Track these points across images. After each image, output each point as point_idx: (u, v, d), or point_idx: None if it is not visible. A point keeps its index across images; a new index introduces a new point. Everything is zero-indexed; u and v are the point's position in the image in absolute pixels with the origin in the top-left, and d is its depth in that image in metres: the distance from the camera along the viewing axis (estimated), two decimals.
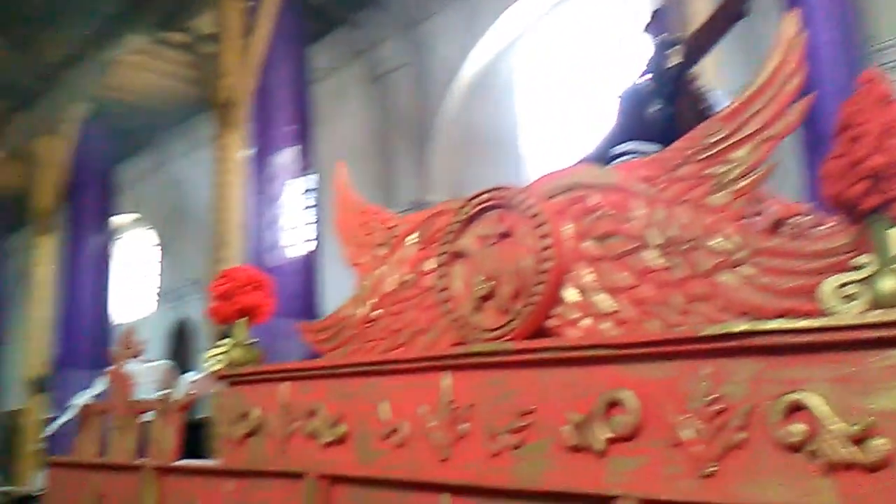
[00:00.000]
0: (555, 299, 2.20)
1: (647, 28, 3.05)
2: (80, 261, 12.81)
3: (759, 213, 2.32)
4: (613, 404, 1.86)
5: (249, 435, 2.64)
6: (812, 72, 2.01)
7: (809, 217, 2.32)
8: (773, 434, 1.54)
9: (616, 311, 2.13)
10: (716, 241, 1.92)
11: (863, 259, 1.52)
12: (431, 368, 2.25)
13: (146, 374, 3.12)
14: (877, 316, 1.43)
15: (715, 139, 1.99)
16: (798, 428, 1.51)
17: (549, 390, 1.99)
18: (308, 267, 9.15)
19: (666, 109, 2.66)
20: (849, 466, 1.44)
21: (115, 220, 13.56)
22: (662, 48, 2.89)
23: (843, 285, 1.52)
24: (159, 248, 15.09)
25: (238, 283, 2.68)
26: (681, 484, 1.70)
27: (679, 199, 2.07)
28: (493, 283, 2.30)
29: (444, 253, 2.43)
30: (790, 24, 1.92)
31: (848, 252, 1.62)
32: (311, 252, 9.16)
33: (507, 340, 2.19)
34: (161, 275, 14.75)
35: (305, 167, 9.46)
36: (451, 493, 2.07)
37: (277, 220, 9.47)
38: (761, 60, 1.95)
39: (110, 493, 3.21)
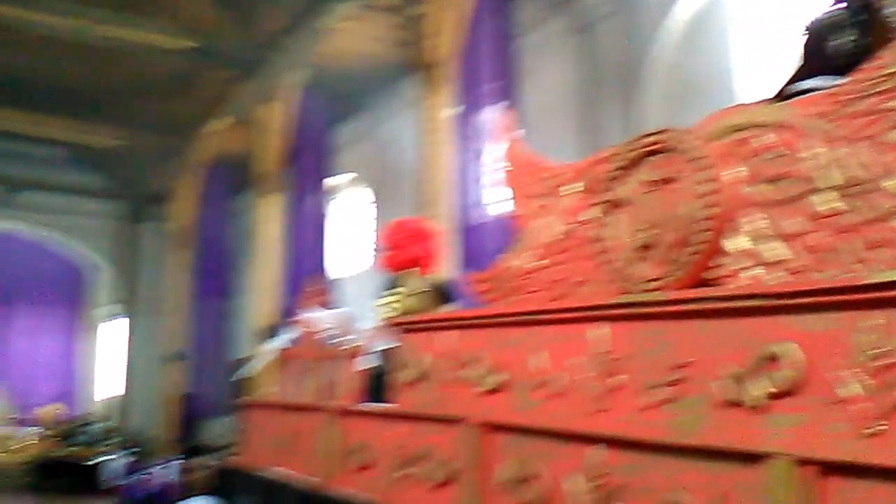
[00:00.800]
0: (719, 248, 2.09)
1: None
2: (300, 219, 13.71)
3: None
4: (773, 358, 1.75)
5: (419, 381, 2.74)
6: None
7: None
8: None
9: (787, 260, 1.99)
10: None
11: None
12: (588, 319, 2.22)
13: (330, 321, 3.31)
14: None
15: None
16: None
17: (707, 343, 1.91)
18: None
19: (854, 41, 2.42)
20: None
21: (332, 181, 14.32)
22: None
23: None
24: (375, 206, 15.80)
25: (408, 235, 2.77)
26: (843, 443, 1.58)
27: (857, 137, 1.89)
28: (655, 231, 2.22)
29: (604, 201, 2.37)
30: None
31: None
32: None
33: (668, 291, 2.11)
34: (375, 232, 15.45)
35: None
36: (605, 444, 2.05)
37: (482, 178, 9.61)
38: None
39: (301, 430, 3.47)
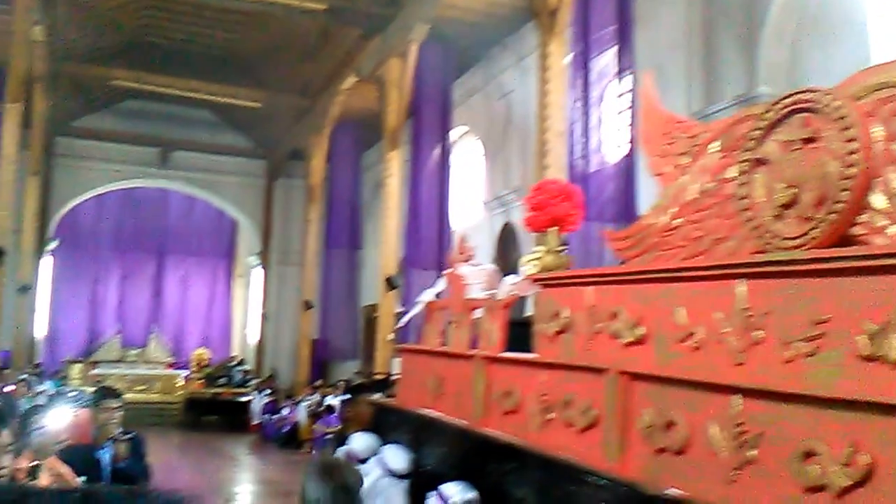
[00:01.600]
0: (861, 206, 2.13)
1: None
2: (422, 172, 13.96)
3: None
4: None
5: (560, 332, 2.90)
6: None
7: None
8: None
9: None
10: None
11: None
12: (727, 276, 2.30)
13: (475, 276, 3.49)
14: None
15: None
16: None
17: (846, 299, 1.97)
18: (626, 171, 9.12)
19: None
20: None
21: (451, 134, 14.48)
22: None
23: None
24: (485, 158, 15.90)
25: (550, 195, 2.90)
26: None
27: None
28: (796, 189, 2.27)
29: (745, 160, 2.42)
30: None
31: None
32: (629, 155, 9.12)
33: (809, 249, 2.17)
34: (488, 183, 15.57)
35: (624, 69, 9.35)
36: (743, 395, 2.14)
37: (597, 125, 9.53)
38: None
39: (448, 376, 3.70)
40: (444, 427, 3.53)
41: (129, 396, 20.34)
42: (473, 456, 3.22)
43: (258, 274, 24.40)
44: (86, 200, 22.87)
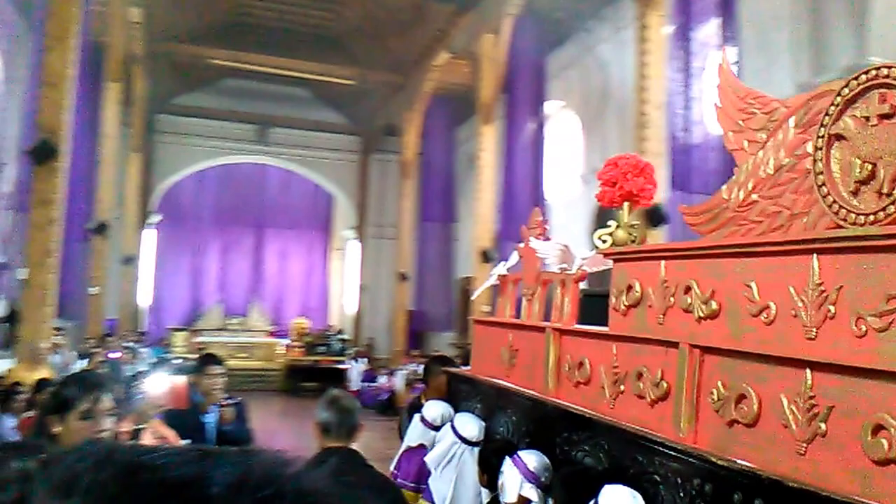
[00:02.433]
0: None
1: None
2: (516, 146, 13.98)
3: None
4: None
5: (633, 306, 2.93)
6: None
7: None
8: None
9: None
10: None
11: None
12: (800, 251, 2.30)
13: (548, 250, 3.54)
14: None
15: None
16: None
17: None
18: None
19: None
20: None
21: (546, 108, 14.39)
22: None
23: None
24: (582, 131, 15.74)
25: (622, 171, 2.92)
26: None
27: None
28: (872, 165, 2.24)
29: (822, 135, 2.40)
30: None
31: None
32: None
33: (885, 225, 2.15)
34: (585, 157, 15.43)
35: (727, 39, 9.11)
36: (814, 369, 2.15)
37: (699, 97, 9.35)
38: None
39: (521, 347, 3.77)
40: (515, 396, 3.62)
41: (230, 364, 21.20)
42: (544, 425, 3.29)
43: (354, 247, 24.92)
44: (186, 176, 23.79)
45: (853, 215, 2.27)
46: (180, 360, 13.92)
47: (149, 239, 23.36)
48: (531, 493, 2.98)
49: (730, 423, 2.43)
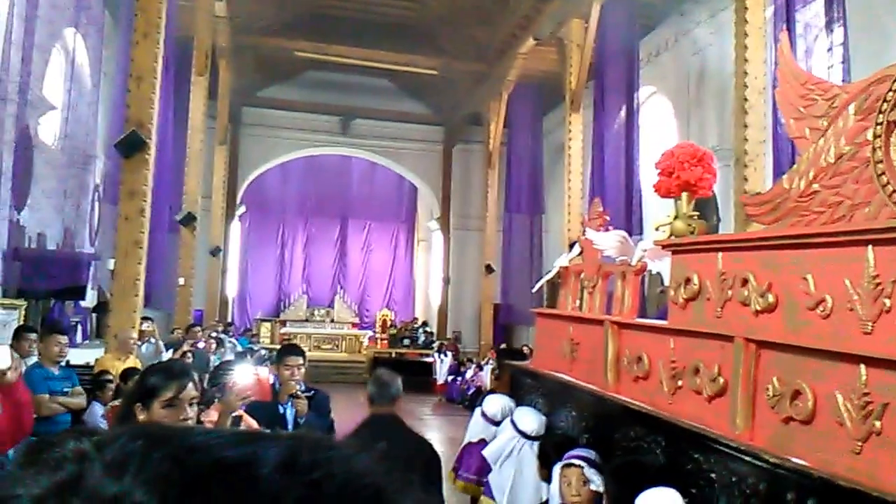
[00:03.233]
0: None
1: None
2: (606, 134, 13.65)
3: None
4: None
5: (691, 299, 2.86)
6: None
7: None
8: None
9: None
10: None
11: None
12: (855, 242, 2.21)
13: (608, 242, 3.48)
14: None
15: None
16: None
17: None
18: None
19: None
20: None
21: (638, 94, 14.01)
22: None
23: None
24: (675, 118, 15.33)
25: (679, 160, 2.85)
26: None
27: None
28: None
29: (880, 122, 2.30)
30: None
31: None
32: None
33: None
34: (674, 146, 15.04)
35: (834, 20, 8.70)
36: (869, 365, 2.07)
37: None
38: None
39: (582, 341, 3.73)
40: (576, 391, 3.58)
41: (315, 354, 21.73)
42: (604, 421, 3.25)
43: (439, 238, 25.00)
44: (271, 168, 24.27)
45: None
46: (265, 351, 14.29)
47: (235, 230, 23.94)
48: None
49: (786, 420, 2.36)
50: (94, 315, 14.17)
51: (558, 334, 4.03)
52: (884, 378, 2.03)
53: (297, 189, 26.05)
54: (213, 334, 13.24)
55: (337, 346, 23.14)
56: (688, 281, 2.87)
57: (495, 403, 4.09)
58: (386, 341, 23.25)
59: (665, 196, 2.98)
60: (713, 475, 2.53)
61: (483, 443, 3.99)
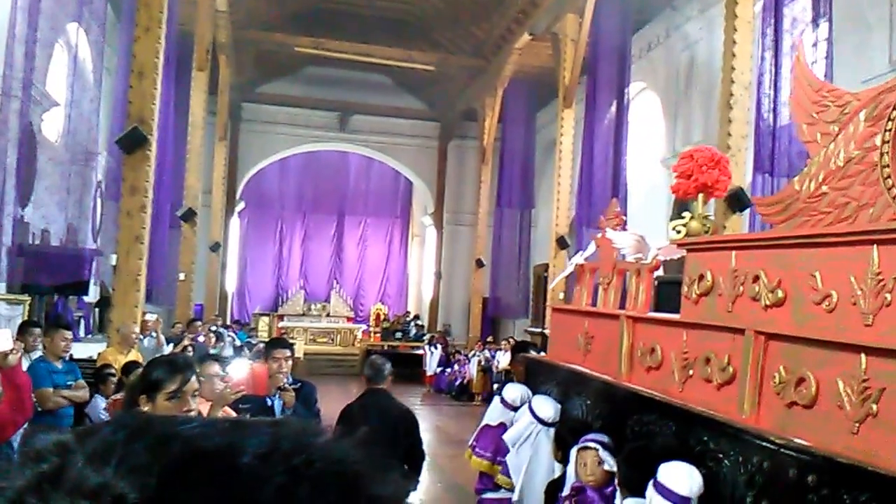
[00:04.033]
0: None
1: None
2: (596, 130, 13.75)
3: None
4: None
5: (703, 295, 3.04)
6: None
7: None
8: None
9: None
10: None
11: None
12: (862, 242, 2.38)
13: (623, 240, 3.66)
14: None
15: None
16: None
17: None
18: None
19: None
20: None
21: (628, 90, 14.13)
22: None
23: None
24: (663, 114, 15.47)
25: (698, 163, 3.01)
26: None
27: None
28: None
29: (889, 129, 2.46)
30: None
31: None
32: None
33: None
34: (667, 140, 15.14)
35: (820, 16, 8.86)
36: (869, 354, 2.24)
37: (789, 76, 9.14)
38: None
39: (597, 334, 3.91)
40: (590, 380, 3.76)
41: (312, 348, 21.82)
42: (617, 408, 3.43)
43: (432, 233, 25.15)
44: (270, 164, 24.34)
45: None
46: (263, 345, 14.38)
47: (234, 226, 24.04)
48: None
49: (789, 404, 2.54)
50: (96, 310, 14.27)
51: (573, 328, 4.20)
52: (882, 366, 2.20)
53: (295, 185, 26.20)
54: (213, 328, 13.34)
55: (332, 340, 23.33)
56: (701, 277, 3.04)
57: (514, 391, 4.30)
58: (379, 335, 23.44)
59: (683, 197, 3.15)
60: (721, 455, 2.71)
61: (502, 426, 4.20)
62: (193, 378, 3.05)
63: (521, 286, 19.61)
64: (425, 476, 9.50)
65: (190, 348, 9.50)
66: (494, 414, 4.33)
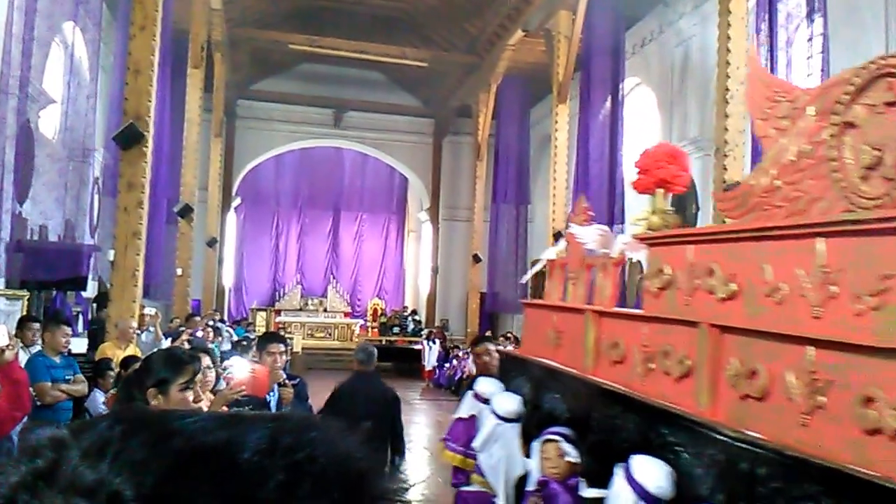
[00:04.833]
0: None
1: None
2: (591, 126, 13.79)
3: None
4: None
5: (663, 288, 3.09)
6: None
7: None
8: None
9: None
10: None
11: None
12: (808, 235, 2.43)
13: (591, 236, 3.71)
14: None
15: None
16: None
17: None
18: None
19: None
20: None
21: (623, 85, 14.15)
22: None
23: None
24: (659, 109, 15.50)
25: (655, 158, 3.07)
26: None
27: None
28: (880, 152, 2.34)
29: (836, 123, 2.51)
30: None
31: None
32: None
33: (890, 209, 2.26)
34: (662, 136, 15.16)
35: (815, 11, 8.86)
36: (816, 346, 2.29)
37: (785, 71, 9.15)
38: None
39: (565, 329, 3.96)
40: (559, 375, 3.81)
41: (309, 343, 21.88)
42: (584, 402, 3.48)
43: (428, 229, 25.21)
44: (266, 160, 24.44)
45: (862, 200, 2.38)
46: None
47: (231, 222, 24.12)
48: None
49: (743, 397, 2.58)
50: (94, 305, 14.34)
51: (544, 323, 4.26)
52: (830, 358, 2.24)
53: (291, 181, 26.31)
54: (210, 323, 13.41)
55: (329, 335, 23.43)
56: (661, 271, 3.09)
57: (487, 385, 4.35)
58: (377, 329, 23.53)
59: (643, 192, 3.20)
60: (679, 448, 2.75)
61: (474, 419, 4.26)
62: (201, 369, 3.11)
63: (518, 281, 19.65)
64: (427, 471, 9.63)
65: (186, 343, 9.57)
66: (466, 407, 4.40)
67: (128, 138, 8.65)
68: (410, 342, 21.68)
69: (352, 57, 19.93)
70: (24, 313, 9.15)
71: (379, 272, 27.53)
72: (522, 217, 19.75)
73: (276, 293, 26.13)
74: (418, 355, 20.25)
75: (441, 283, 24.33)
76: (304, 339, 21.72)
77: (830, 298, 2.31)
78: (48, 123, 12.51)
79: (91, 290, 13.55)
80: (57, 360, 6.25)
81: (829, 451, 2.13)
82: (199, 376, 3.05)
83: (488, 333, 15.38)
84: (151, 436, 0.50)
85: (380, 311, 25.14)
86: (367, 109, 23.29)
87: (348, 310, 25.87)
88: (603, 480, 2.88)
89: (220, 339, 12.64)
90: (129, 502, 0.46)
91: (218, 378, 4.75)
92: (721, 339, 2.73)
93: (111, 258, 9.32)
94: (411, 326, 23.04)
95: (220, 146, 20.85)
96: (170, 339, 9.87)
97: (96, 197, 14.09)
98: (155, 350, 4.97)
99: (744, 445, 2.40)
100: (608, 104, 13.74)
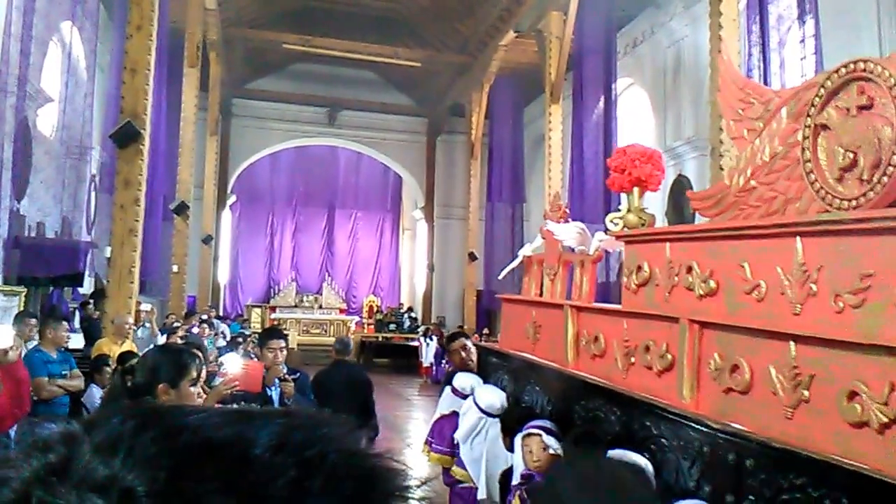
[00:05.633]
0: None
1: None
2: (584, 125, 13.86)
3: None
4: None
5: (642, 285, 3.16)
6: None
7: None
8: None
9: None
10: None
11: None
12: (785, 234, 2.50)
13: (567, 233, 3.77)
14: None
15: None
16: None
17: (889, 256, 2.13)
18: None
19: None
20: None
21: (615, 86, 14.20)
22: None
23: None
24: (652, 109, 15.57)
25: (631, 158, 3.14)
26: None
27: None
28: (854, 154, 2.41)
29: (808, 125, 2.58)
30: None
31: None
32: None
33: (866, 209, 2.32)
34: (656, 135, 15.24)
35: (806, 12, 8.90)
36: (798, 342, 2.35)
37: (778, 72, 9.18)
38: None
39: (544, 324, 4.03)
40: (539, 369, 3.88)
41: (304, 339, 21.92)
42: (564, 395, 3.55)
43: (423, 227, 25.27)
44: (261, 158, 24.50)
45: (838, 200, 2.45)
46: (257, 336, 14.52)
47: (226, 219, 24.17)
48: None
49: (726, 390, 2.65)
50: (90, 302, 14.38)
51: (522, 317, 4.34)
52: (811, 353, 2.30)
53: (286, 179, 26.36)
54: (204, 317, 13.48)
55: (325, 331, 23.47)
56: (639, 268, 3.16)
57: (465, 380, 4.40)
58: (372, 326, 23.57)
59: (618, 191, 3.26)
60: (663, 440, 2.82)
61: (455, 415, 4.30)
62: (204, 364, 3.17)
63: (515, 279, 19.66)
64: (428, 470, 9.62)
65: (180, 339, 9.62)
66: (445, 404, 4.44)
67: (124, 136, 8.73)
68: (407, 339, 21.74)
69: (345, 56, 19.98)
70: (22, 309, 9.20)
71: (374, 270, 27.58)
72: (518, 215, 19.82)
73: (272, 290, 26.19)
74: (416, 352, 20.32)
75: (437, 280, 24.38)
76: (299, 335, 21.76)
77: (810, 296, 2.38)
78: (46, 121, 12.58)
79: (88, 287, 13.60)
80: (54, 355, 6.31)
81: (816, 444, 2.19)
82: (204, 372, 3.12)
83: (461, 327, 15.50)
84: (163, 431, 0.50)
85: (375, 308, 25.20)
86: (360, 108, 23.35)
87: (344, 306, 25.92)
88: None
89: (214, 334, 12.69)
90: (141, 498, 0.46)
91: (213, 374, 4.80)
92: (701, 335, 2.80)
93: (108, 255, 9.38)
94: (407, 323, 23.10)
95: (216, 144, 20.93)
96: (165, 336, 9.94)
97: (93, 194, 14.12)
98: (152, 347, 5.02)
99: (730, 437, 2.46)
100: (601, 104, 13.80)
